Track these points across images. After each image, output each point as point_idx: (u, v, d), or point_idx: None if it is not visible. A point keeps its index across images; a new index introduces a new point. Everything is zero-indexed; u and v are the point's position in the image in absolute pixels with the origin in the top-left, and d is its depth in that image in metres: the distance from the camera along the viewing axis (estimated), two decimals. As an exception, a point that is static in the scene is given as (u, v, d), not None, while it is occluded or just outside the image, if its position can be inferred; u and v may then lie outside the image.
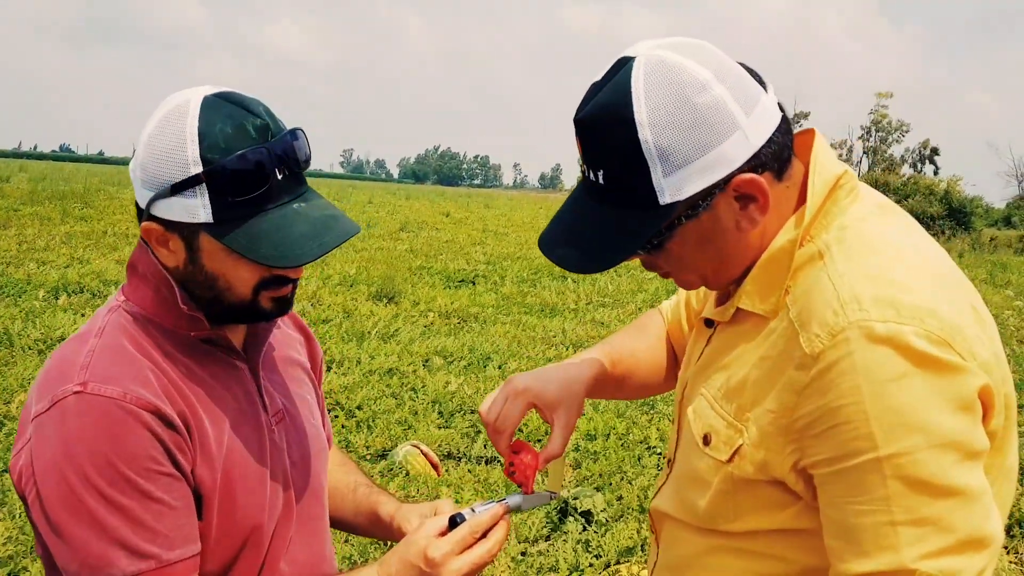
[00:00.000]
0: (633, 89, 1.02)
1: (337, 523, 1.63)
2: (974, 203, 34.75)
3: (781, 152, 1.08)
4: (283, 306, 1.29)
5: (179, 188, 1.15)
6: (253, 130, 1.16)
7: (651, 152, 1.01)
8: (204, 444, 1.21)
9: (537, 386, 1.37)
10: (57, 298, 8.65)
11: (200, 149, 1.13)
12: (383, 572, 1.24)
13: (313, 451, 1.43)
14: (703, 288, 1.32)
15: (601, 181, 1.07)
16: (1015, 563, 4.13)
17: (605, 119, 1.04)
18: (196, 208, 1.15)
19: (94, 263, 10.63)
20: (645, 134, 1.01)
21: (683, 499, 1.19)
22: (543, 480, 1.38)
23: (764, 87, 1.09)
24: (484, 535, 1.26)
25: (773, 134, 1.06)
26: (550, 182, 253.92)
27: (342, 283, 10.82)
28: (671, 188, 1.03)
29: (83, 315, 7.81)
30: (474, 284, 11.88)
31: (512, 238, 18.85)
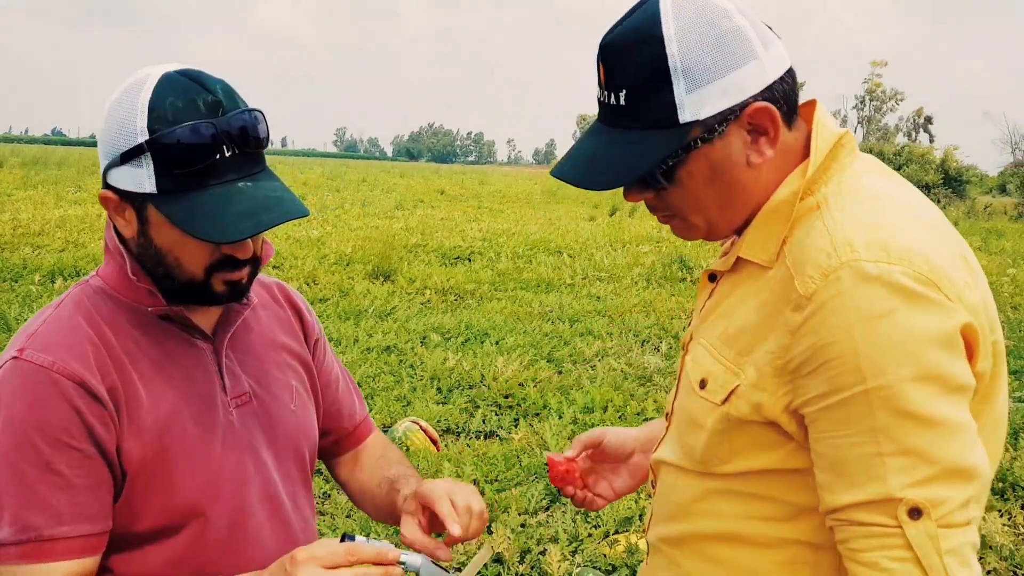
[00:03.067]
0: (662, 11, 1.09)
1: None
2: (969, 171, 34.74)
3: (791, 95, 1.14)
4: (236, 291, 1.28)
5: (127, 157, 1.17)
6: (203, 105, 1.17)
7: (676, 67, 1.07)
8: (136, 419, 1.21)
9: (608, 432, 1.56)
10: (53, 282, 8.65)
11: (148, 120, 1.15)
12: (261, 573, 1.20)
13: (285, 438, 1.41)
14: None
15: (622, 102, 1.11)
16: (1008, 525, 4.19)
17: (633, 38, 1.10)
18: (142, 177, 1.17)
19: (90, 247, 10.62)
20: (672, 49, 1.07)
21: (681, 444, 1.23)
22: (464, 565, 1.31)
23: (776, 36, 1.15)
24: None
25: (785, 74, 1.13)
26: (544, 157, 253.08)
27: (338, 262, 10.83)
28: (692, 106, 1.08)
29: (80, 298, 7.83)
30: (470, 261, 11.89)
31: (507, 214, 18.85)
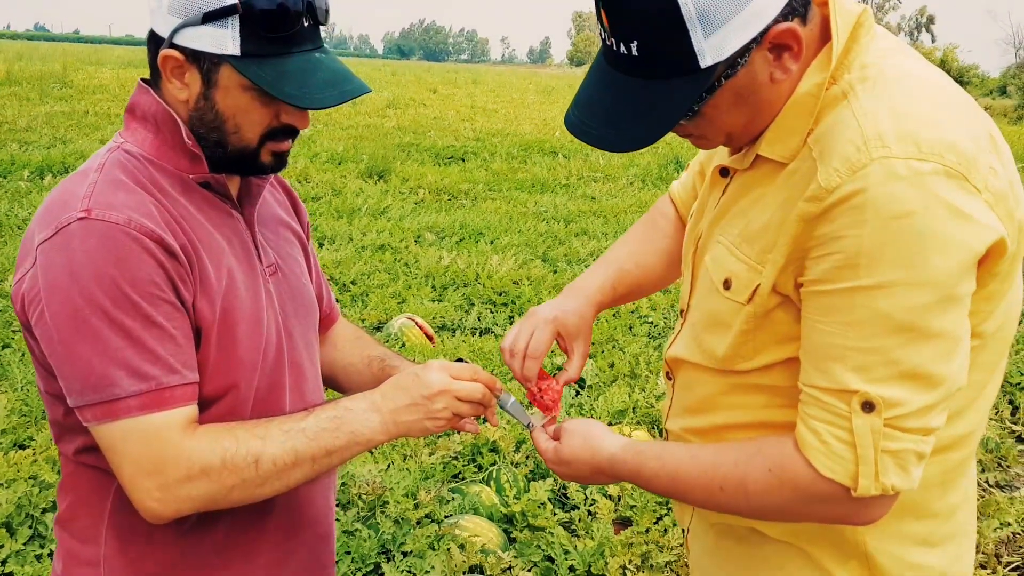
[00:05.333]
0: None
1: None
2: (970, 72, 34.25)
3: None
4: (281, 161, 1.31)
5: (212, 17, 1.16)
6: None
7: (691, 14, 0.99)
8: (204, 278, 1.22)
9: (562, 317, 1.45)
10: (42, 178, 8.57)
11: None
12: (376, 391, 1.29)
13: (305, 308, 1.45)
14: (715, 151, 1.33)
15: (635, 52, 1.04)
16: (995, 420, 4.27)
17: None
18: (225, 39, 1.17)
19: (77, 143, 10.47)
20: None
21: (700, 343, 1.23)
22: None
23: None
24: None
25: None
26: (539, 56, 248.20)
27: (330, 160, 10.71)
28: (712, 49, 1.01)
29: (70, 195, 7.76)
30: (464, 161, 11.78)
31: (501, 114, 18.57)
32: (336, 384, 1.65)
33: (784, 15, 1.03)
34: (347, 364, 1.63)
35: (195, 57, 1.20)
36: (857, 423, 1.01)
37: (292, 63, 1.20)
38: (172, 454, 1.15)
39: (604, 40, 1.09)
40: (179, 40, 1.19)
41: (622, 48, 1.05)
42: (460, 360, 1.38)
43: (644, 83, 1.06)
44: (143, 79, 1.29)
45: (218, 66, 1.20)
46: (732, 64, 1.04)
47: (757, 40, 1.03)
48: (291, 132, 1.28)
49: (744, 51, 1.03)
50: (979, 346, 1.09)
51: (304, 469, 1.22)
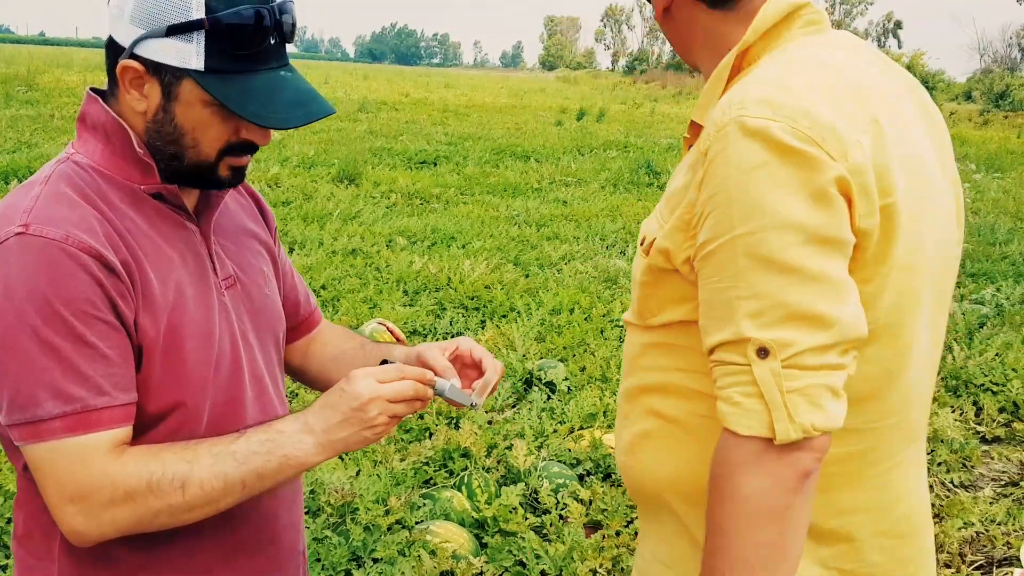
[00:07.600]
0: None
1: None
2: (936, 78, 34.77)
3: None
4: (239, 176, 1.29)
5: (176, 30, 1.14)
6: None
7: None
8: (148, 294, 1.20)
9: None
10: (7, 183, 8.45)
11: None
12: (307, 411, 1.24)
13: (267, 320, 1.43)
14: None
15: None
16: (959, 421, 4.33)
17: None
18: (189, 53, 1.15)
19: (43, 147, 10.34)
20: None
21: (633, 299, 1.30)
22: (473, 390, 1.43)
23: None
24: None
25: None
26: (511, 61, 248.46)
27: (301, 165, 10.66)
28: None
29: (36, 200, 7.66)
30: (436, 165, 11.76)
31: (474, 118, 18.57)
32: (332, 377, 1.59)
33: None
34: (340, 352, 1.60)
35: (156, 69, 1.17)
36: (757, 372, 1.02)
37: (257, 81, 1.18)
38: (96, 478, 1.13)
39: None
40: (140, 51, 1.16)
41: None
42: (384, 362, 1.32)
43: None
44: (92, 88, 1.27)
45: (180, 80, 1.17)
46: None
47: None
48: (250, 147, 1.26)
49: None
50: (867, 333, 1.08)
51: (235, 494, 1.19)
